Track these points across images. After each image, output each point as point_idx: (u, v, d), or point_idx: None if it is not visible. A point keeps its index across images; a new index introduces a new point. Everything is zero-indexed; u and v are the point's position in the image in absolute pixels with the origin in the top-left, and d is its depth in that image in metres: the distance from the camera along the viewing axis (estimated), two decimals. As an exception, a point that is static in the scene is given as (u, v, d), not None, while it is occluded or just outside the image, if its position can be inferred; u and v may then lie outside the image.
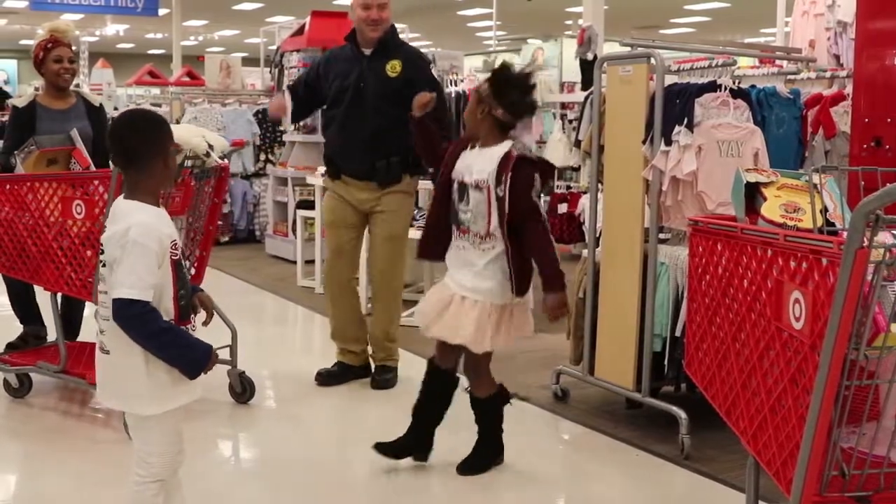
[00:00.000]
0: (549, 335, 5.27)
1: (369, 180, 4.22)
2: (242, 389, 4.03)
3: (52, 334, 4.36)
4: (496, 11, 13.33)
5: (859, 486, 2.00)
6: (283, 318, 6.32)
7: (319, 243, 6.32)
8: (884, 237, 1.88)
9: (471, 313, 3.07)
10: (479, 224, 3.07)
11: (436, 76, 4.33)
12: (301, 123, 8.03)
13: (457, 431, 3.36)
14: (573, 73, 10.82)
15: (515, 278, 3.06)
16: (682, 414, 3.48)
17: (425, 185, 6.04)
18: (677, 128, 3.52)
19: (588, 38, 9.00)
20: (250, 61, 14.31)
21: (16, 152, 4.01)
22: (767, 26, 17.62)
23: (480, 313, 3.06)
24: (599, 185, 3.95)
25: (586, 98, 4.37)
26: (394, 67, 4.17)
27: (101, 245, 2.25)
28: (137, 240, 2.16)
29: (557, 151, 8.35)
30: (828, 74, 4.59)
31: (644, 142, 3.62)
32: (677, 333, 3.59)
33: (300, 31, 8.19)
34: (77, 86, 6.43)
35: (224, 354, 3.93)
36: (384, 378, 4.34)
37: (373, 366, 4.43)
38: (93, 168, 4.01)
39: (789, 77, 4.55)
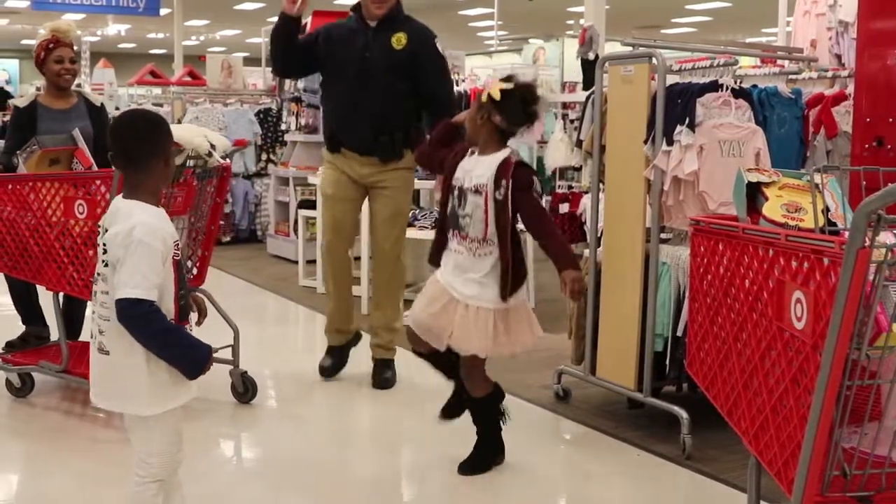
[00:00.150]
0: (551, 335, 5.27)
1: (371, 155, 4.15)
2: (244, 389, 4.03)
3: (54, 334, 4.37)
4: (497, 11, 13.35)
5: (861, 487, 2.00)
6: (284, 317, 6.33)
7: (321, 243, 6.31)
8: (885, 237, 1.88)
9: (478, 321, 3.08)
10: (477, 228, 3.10)
11: (441, 50, 4.26)
12: (302, 123, 8.04)
13: (458, 431, 3.36)
14: (574, 72, 10.82)
15: (506, 282, 3.07)
16: (683, 414, 3.48)
17: (426, 185, 6.05)
18: (679, 127, 3.52)
19: (589, 37, 9.00)
20: (252, 61, 14.33)
21: (18, 152, 4.02)
22: (769, 26, 17.60)
23: (487, 321, 3.08)
24: (601, 185, 3.95)
25: (588, 98, 4.36)
26: (399, 40, 4.10)
27: (103, 245, 2.25)
28: (143, 239, 2.16)
29: (559, 151, 8.35)
30: (829, 74, 4.59)
31: (645, 142, 3.62)
32: (679, 333, 3.59)
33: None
34: (79, 85, 6.45)
35: (226, 354, 3.94)
36: (384, 377, 4.31)
37: (371, 360, 4.38)
38: (95, 168, 4.01)
39: (791, 77, 4.55)
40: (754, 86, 4.03)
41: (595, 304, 3.90)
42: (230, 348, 3.99)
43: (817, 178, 2.20)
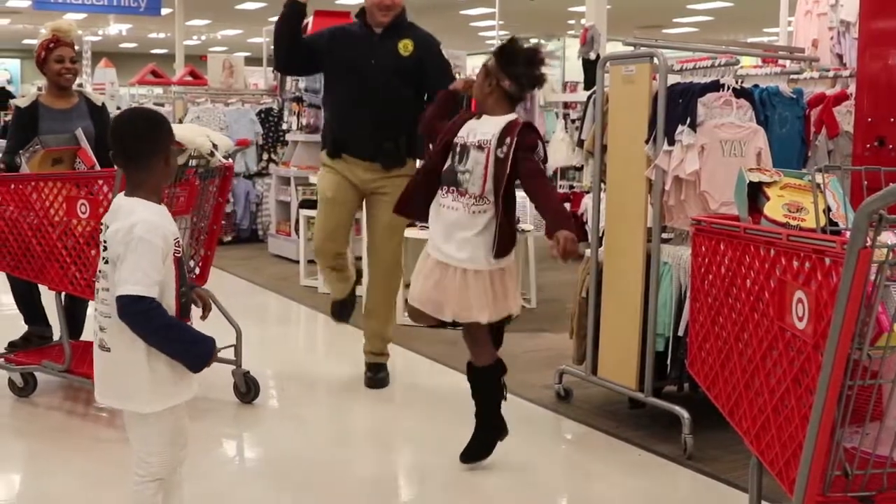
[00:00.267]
0: (552, 334, 5.28)
1: (373, 161, 4.15)
2: (247, 389, 4.03)
3: (56, 333, 4.38)
4: (499, 11, 13.33)
5: (862, 487, 2.01)
6: (286, 317, 6.33)
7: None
8: (887, 237, 1.88)
9: (477, 286, 3.09)
10: (475, 185, 3.10)
11: (446, 58, 4.27)
12: (304, 123, 8.04)
13: (459, 431, 3.36)
14: (576, 72, 10.83)
15: (499, 239, 3.08)
16: (684, 414, 3.48)
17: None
18: (680, 127, 3.52)
19: (591, 37, 9.01)
20: (253, 61, 14.34)
21: (21, 151, 4.02)
22: (770, 26, 17.61)
23: (485, 283, 3.10)
24: (602, 185, 3.95)
25: (589, 98, 4.36)
26: (406, 47, 4.10)
27: (104, 242, 2.26)
28: (143, 236, 2.17)
29: (560, 151, 8.35)
30: (831, 74, 4.59)
31: (647, 141, 3.62)
32: (680, 333, 3.59)
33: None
34: (80, 85, 6.45)
35: (228, 354, 3.94)
36: (378, 377, 4.32)
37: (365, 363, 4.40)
38: (97, 167, 4.01)
39: (792, 77, 4.54)
40: (756, 85, 4.03)
41: (596, 303, 3.90)
42: (232, 348, 3.99)
43: (819, 178, 2.20)
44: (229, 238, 8.75)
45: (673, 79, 3.76)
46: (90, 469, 3.35)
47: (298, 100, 8.17)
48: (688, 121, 3.51)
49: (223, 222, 5.72)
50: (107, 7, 14.68)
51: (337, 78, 4.23)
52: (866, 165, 2.39)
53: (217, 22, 23.25)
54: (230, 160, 4.03)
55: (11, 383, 4.03)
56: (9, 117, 9.42)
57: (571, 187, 8.86)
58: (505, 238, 3.10)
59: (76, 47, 4.42)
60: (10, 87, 21.02)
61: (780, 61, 4.96)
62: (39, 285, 4.17)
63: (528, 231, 6.04)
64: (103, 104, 4.56)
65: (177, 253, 2.25)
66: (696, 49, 4.39)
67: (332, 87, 4.32)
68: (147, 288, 2.15)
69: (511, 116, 3.14)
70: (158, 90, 13.34)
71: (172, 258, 2.24)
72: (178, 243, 2.27)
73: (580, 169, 8.21)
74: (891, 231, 1.92)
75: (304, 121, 8.03)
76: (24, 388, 4.02)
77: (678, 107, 3.56)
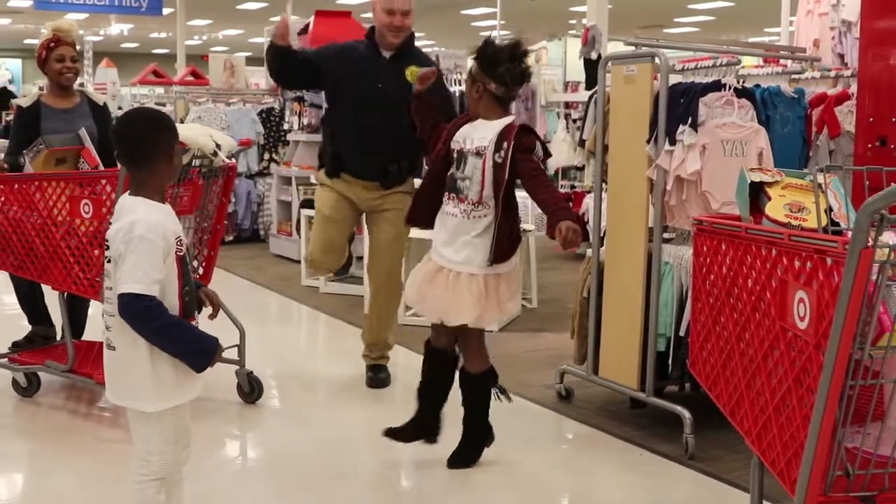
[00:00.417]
0: (553, 334, 5.28)
1: (374, 181, 4.19)
2: (251, 389, 4.04)
3: (59, 333, 4.39)
4: (500, 11, 13.33)
5: (864, 486, 2.01)
6: (287, 317, 6.33)
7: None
8: (888, 237, 1.89)
9: (467, 289, 3.09)
10: (474, 190, 3.10)
11: (448, 90, 4.31)
12: (305, 123, 8.04)
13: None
14: (577, 72, 10.82)
15: (497, 244, 3.07)
16: (686, 414, 3.48)
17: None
18: (681, 127, 3.52)
19: (592, 37, 9.01)
20: (254, 61, 14.30)
21: (24, 151, 4.03)
22: (771, 25, 17.60)
23: (477, 287, 3.09)
24: (603, 185, 3.95)
25: (590, 97, 4.37)
26: (413, 73, 4.14)
27: (107, 241, 2.26)
28: (144, 235, 2.17)
29: (561, 151, 8.36)
30: (832, 74, 4.59)
31: (648, 141, 3.62)
32: (681, 333, 3.59)
33: (304, 30, 8.20)
34: (81, 85, 6.45)
35: (232, 354, 3.94)
36: (379, 377, 4.34)
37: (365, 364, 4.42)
38: (101, 167, 4.02)
39: (793, 76, 4.55)
40: (757, 85, 4.03)
41: (598, 303, 3.90)
42: (236, 348, 4.00)
43: (820, 178, 2.20)
44: (231, 238, 8.75)
45: (674, 78, 3.76)
46: (92, 468, 3.36)
47: (300, 99, 8.18)
48: (689, 120, 3.51)
49: (225, 222, 5.73)
50: (108, 7, 14.68)
51: (341, 99, 4.23)
52: (868, 165, 2.39)
53: (218, 22, 23.26)
54: (233, 160, 4.03)
55: (15, 383, 4.04)
56: (10, 117, 9.43)
57: (573, 187, 8.86)
58: (503, 243, 3.09)
59: (77, 47, 4.42)
60: (11, 87, 21.03)
61: (782, 61, 4.96)
62: (42, 285, 4.18)
63: (530, 231, 6.04)
64: (105, 104, 4.56)
65: (179, 252, 2.26)
66: (698, 49, 4.39)
67: (335, 107, 4.32)
68: (147, 286, 2.15)
69: (507, 119, 3.13)
70: (160, 90, 13.37)
71: (174, 257, 2.24)
72: (181, 242, 2.27)
73: (581, 169, 8.21)
74: (892, 231, 1.92)
75: (305, 120, 8.04)
76: (28, 388, 4.03)
77: (679, 106, 3.56)
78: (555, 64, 12.81)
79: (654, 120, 3.60)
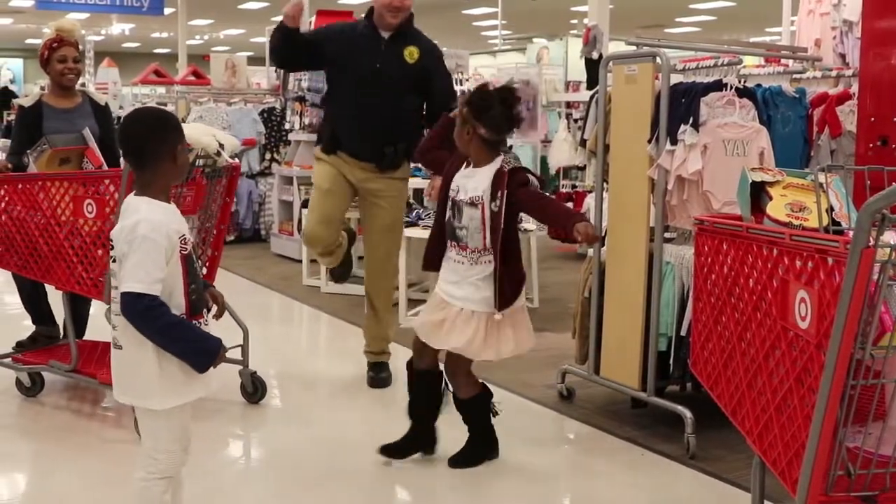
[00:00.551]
0: (555, 334, 5.28)
1: (370, 162, 4.16)
2: (254, 389, 4.04)
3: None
4: (501, 11, 13.35)
5: (865, 486, 2.01)
6: (288, 317, 6.34)
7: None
8: (890, 236, 1.89)
9: (468, 323, 3.12)
10: (476, 239, 3.13)
11: (448, 70, 4.29)
12: (306, 122, 8.05)
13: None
14: (578, 72, 10.83)
15: (500, 292, 3.10)
16: (687, 413, 3.48)
17: (426, 186, 6.05)
18: (683, 127, 3.53)
19: (593, 37, 9.01)
20: (256, 60, 14.34)
21: (28, 151, 4.03)
22: (773, 25, 17.59)
23: (477, 323, 3.12)
24: (605, 185, 3.95)
25: (591, 97, 4.37)
26: (412, 54, 4.10)
27: (111, 241, 2.27)
28: (147, 235, 2.18)
29: (562, 151, 8.37)
30: (833, 73, 4.59)
31: (649, 141, 3.62)
32: (683, 333, 3.59)
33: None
34: (83, 85, 6.45)
35: (235, 354, 3.95)
36: (381, 376, 4.34)
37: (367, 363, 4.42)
38: (105, 167, 4.02)
39: (795, 76, 4.55)
40: (758, 85, 4.03)
41: (599, 303, 3.91)
42: (239, 348, 4.00)
43: (821, 178, 2.20)
44: (232, 238, 8.75)
45: (675, 78, 3.76)
46: (96, 468, 3.37)
47: (301, 99, 8.18)
48: (690, 120, 3.52)
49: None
50: (109, 7, 14.69)
51: (340, 79, 4.22)
52: (869, 165, 2.39)
53: (220, 21, 23.27)
54: (236, 160, 4.03)
55: (19, 383, 4.05)
56: (11, 117, 9.43)
57: (574, 187, 8.86)
58: (505, 289, 3.11)
59: (79, 47, 4.43)
60: (12, 87, 21.04)
61: (783, 61, 4.96)
62: (45, 285, 4.18)
63: (531, 231, 6.04)
64: (106, 104, 4.57)
65: (184, 251, 2.26)
66: (699, 48, 4.39)
67: (335, 87, 4.31)
68: (148, 286, 2.16)
69: (496, 164, 3.13)
70: (161, 90, 13.36)
71: (179, 256, 2.24)
72: (185, 241, 2.28)
73: (583, 169, 8.21)
74: (894, 231, 1.92)
75: (306, 120, 8.05)
76: (32, 388, 4.03)
77: (681, 106, 3.56)
78: (556, 63, 12.82)
79: (655, 120, 3.60)
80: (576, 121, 8.41)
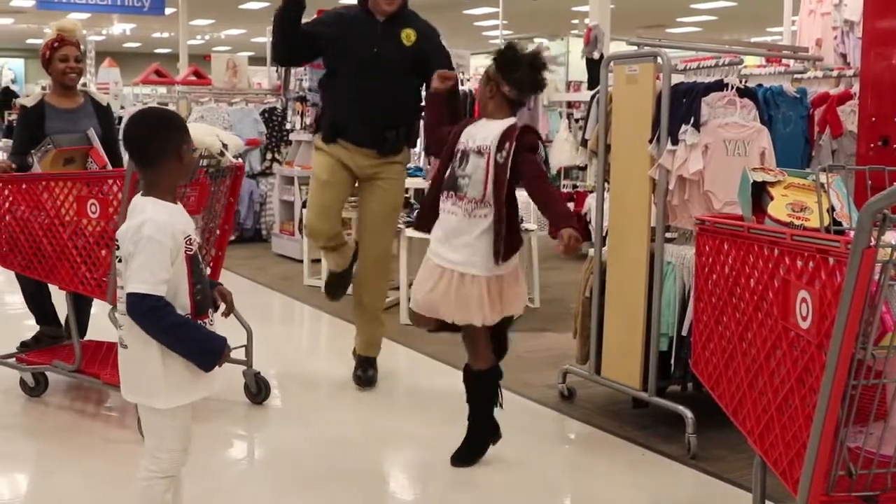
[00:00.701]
0: (556, 334, 5.29)
1: (371, 148, 4.14)
2: (258, 390, 4.04)
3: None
4: (502, 10, 13.34)
5: (866, 486, 2.01)
6: (289, 317, 6.34)
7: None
8: (891, 236, 1.89)
9: (470, 291, 3.11)
10: (476, 189, 3.13)
11: (447, 49, 4.27)
12: (307, 122, 8.05)
13: (463, 425, 3.37)
14: (579, 72, 10.84)
15: (496, 245, 3.09)
16: (688, 413, 3.48)
17: (425, 185, 6.06)
18: (684, 127, 3.53)
19: (594, 37, 9.01)
20: (257, 60, 14.34)
21: (32, 151, 4.04)
22: (774, 25, 17.59)
23: (481, 288, 3.11)
24: (606, 185, 3.95)
25: (593, 97, 4.37)
26: (409, 36, 4.08)
27: (117, 241, 2.28)
28: (152, 236, 2.18)
29: (564, 151, 8.35)
30: (834, 73, 4.59)
31: (650, 141, 3.63)
32: (684, 333, 3.59)
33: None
34: (84, 85, 6.45)
35: (239, 354, 3.95)
36: (366, 375, 4.31)
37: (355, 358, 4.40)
38: (109, 167, 4.03)
39: (796, 76, 4.55)
40: (759, 85, 4.04)
41: (600, 303, 3.91)
42: (243, 348, 4.00)
43: (823, 178, 2.20)
44: (233, 237, 8.75)
45: (676, 78, 3.77)
46: (99, 468, 3.37)
47: (302, 99, 8.19)
48: (691, 120, 3.52)
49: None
50: (110, 7, 14.69)
51: (338, 65, 4.19)
52: (870, 165, 2.39)
53: (221, 21, 23.26)
54: (240, 160, 4.03)
55: (23, 383, 4.05)
56: (13, 117, 9.43)
57: (575, 187, 8.86)
58: (505, 243, 3.11)
59: (81, 47, 4.43)
60: (14, 87, 21.06)
61: (784, 61, 4.96)
62: (48, 285, 4.19)
63: (532, 231, 6.05)
64: (108, 104, 4.57)
65: (189, 251, 2.26)
66: (700, 48, 4.39)
67: (333, 74, 4.26)
68: (153, 286, 2.17)
69: (510, 121, 3.16)
70: (162, 90, 13.35)
71: (184, 256, 2.25)
72: (191, 241, 2.28)
73: (584, 168, 8.21)
74: (895, 231, 1.92)
75: (307, 120, 8.05)
76: (36, 388, 4.04)
77: (682, 106, 3.56)
78: (557, 63, 12.81)
79: (656, 119, 3.60)
80: (577, 121, 8.40)
